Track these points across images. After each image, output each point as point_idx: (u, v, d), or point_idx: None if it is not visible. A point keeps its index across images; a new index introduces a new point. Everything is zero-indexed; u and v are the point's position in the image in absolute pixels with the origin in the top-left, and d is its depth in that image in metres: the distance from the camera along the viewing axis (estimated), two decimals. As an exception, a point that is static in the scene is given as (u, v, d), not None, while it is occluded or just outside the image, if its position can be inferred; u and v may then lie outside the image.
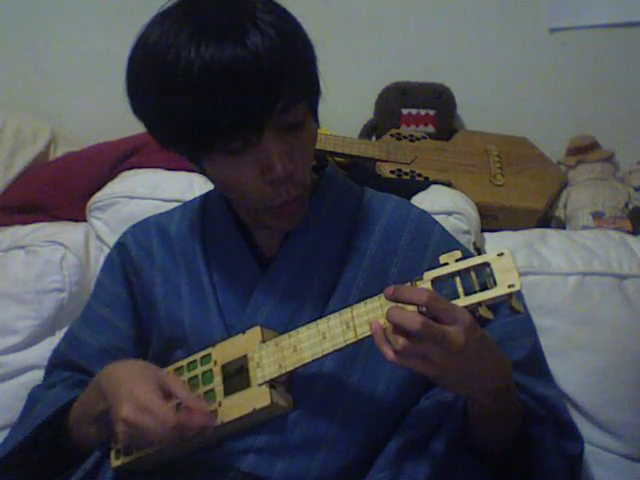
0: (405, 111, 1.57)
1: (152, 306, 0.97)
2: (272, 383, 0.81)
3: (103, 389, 0.82)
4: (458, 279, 0.71)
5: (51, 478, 0.90)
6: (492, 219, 1.39)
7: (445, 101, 1.57)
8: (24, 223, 1.40)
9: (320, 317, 0.84)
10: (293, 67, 0.76)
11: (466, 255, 0.73)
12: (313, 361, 0.79)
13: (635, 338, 1.16)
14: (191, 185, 1.34)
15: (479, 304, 0.70)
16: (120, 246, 1.02)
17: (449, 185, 1.39)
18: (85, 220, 1.39)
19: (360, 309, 0.76)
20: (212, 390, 0.83)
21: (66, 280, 1.28)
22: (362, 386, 0.87)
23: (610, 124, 1.58)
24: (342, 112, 1.46)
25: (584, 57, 1.55)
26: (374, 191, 1.00)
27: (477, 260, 0.71)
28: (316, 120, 0.85)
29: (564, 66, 1.57)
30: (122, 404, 0.76)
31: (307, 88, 0.81)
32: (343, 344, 0.77)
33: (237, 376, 0.82)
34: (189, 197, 1.08)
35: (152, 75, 0.77)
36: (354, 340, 0.76)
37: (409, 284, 0.73)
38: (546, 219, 1.46)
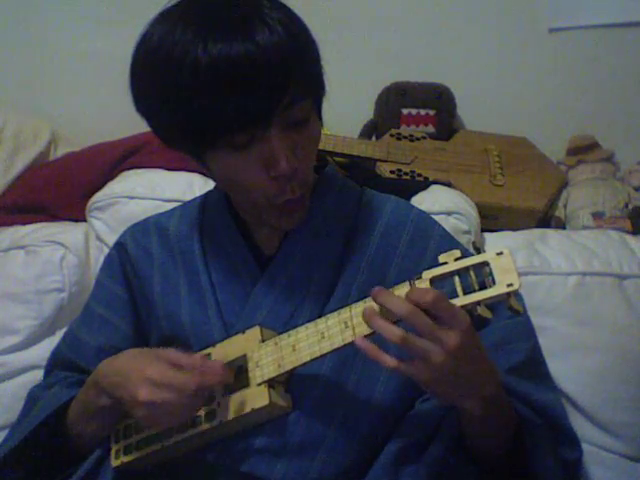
0: (405, 111, 1.57)
1: (151, 305, 0.97)
2: (271, 383, 0.81)
3: (103, 386, 0.82)
4: (457, 278, 0.71)
5: (51, 478, 0.90)
6: (492, 219, 1.39)
7: (445, 101, 1.57)
8: (24, 223, 1.40)
9: (320, 316, 0.84)
10: (300, 64, 0.76)
11: (465, 255, 0.73)
12: (312, 360, 0.79)
13: (635, 338, 1.16)
14: (191, 185, 1.34)
15: (478, 303, 0.70)
16: (119, 246, 1.02)
17: (449, 185, 1.39)
18: (85, 220, 1.39)
19: (358, 308, 0.76)
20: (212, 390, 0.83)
21: (66, 280, 1.28)
22: (360, 387, 0.87)
23: (610, 124, 1.58)
24: (342, 112, 1.45)
25: (584, 57, 1.55)
26: (374, 191, 1.01)
27: (476, 259, 0.71)
28: (320, 118, 0.86)
29: (564, 66, 1.57)
30: (137, 388, 0.76)
31: (312, 85, 0.81)
32: (342, 343, 0.77)
33: (236, 376, 0.82)
34: (189, 197, 1.08)
35: (157, 72, 0.77)
36: (352, 339, 0.75)
37: (407, 283, 0.73)
38: (546, 219, 1.46)
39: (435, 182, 1.38)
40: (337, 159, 1.49)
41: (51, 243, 1.30)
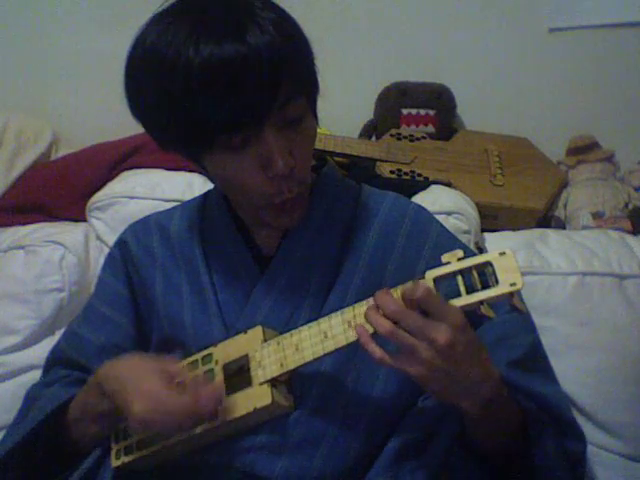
0: (405, 111, 1.57)
1: (152, 304, 0.97)
2: (273, 382, 0.81)
3: (104, 389, 0.81)
4: (460, 278, 0.71)
5: (51, 477, 0.90)
6: (492, 219, 1.39)
7: (445, 101, 1.57)
8: (24, 223, 1.40)
9: (319, 315, 0.84)
10: (292, 62, 0.76)
11: (465, 252, 0.74)
12: (314, 360, 0.79)
13: (635, 338, 1.16)
14: (191, 185, 1.34)
15: (481, 302, 0.70)
16: (121, 243, 1.02)
17: (449, 185, 1.39)
18: (85, 220, 1.39)
19: (362, 308, 0.76)
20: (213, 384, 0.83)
21: (66, 280, 1.28)
22: (359, 384, 0.87)
23: (610, 124, 1.58)
24: (342, 112, 1.46)
25: (584, 57, 1.55)
26: (372, 188, 1.01)
27: (479, 259, 0.71)
28: (315, 117, 0.86)
29: (564, 66, 1.57)
30: (133, 402, 0.75)
31: (306, 83, 0.81)
32: (345, 343, 0.77)
33: (238, 375, 0.82)
34: (189, 197, 1.08)
35: (151, 74, 0.77)
36: (356, 338, 0.75)
37: (411, 283, 0.74)
38: (546, 219, 1.47)
39: (435, 182, 1.39)
40: (337, 159, 1.49)
41: (51, 243, 1.30)
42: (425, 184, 1.36)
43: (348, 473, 0.85)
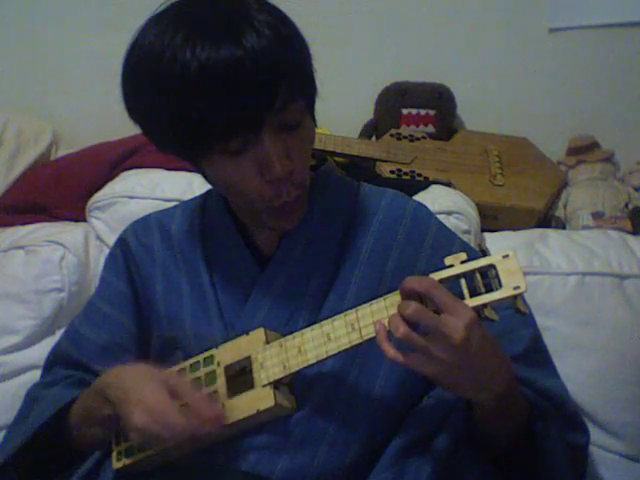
0: (405, 111, 1.57)
1: (152, 304, 0.97)
2: (276, 384, 0.81)
3: (107, 395, 0.81)
4: (463, 281, 0.72)
5: (51, 478, 0.90)
6: (492, 219, 1.39)
7: (445, 101, 1.57)
8: (24, 223, 1.40)
9: (319, 314, 0.84)
10: (289, 66, 0.76)
11: (465, 251, 0.74)
12: (317, 362, 0.79)
13: (635, 338, 1.16)
14: (191, 185, 1.34)
15: (484, 305, 0.70)
16: (122, 242, 1.02)
17: (449, 185, 1.39)
18: (85, 220, 1.39)
19: (365, 310, 0.76)
20: (215, 391, 0.83)
21: (65, 280, 1.28)
22: (360, 382, 0.87)
23: (610, 124, 1.58)
24: (342, 112, 1.46)
25: (584, 57, 1.56)
26: (371, 186, 1.00)
27: (482, 262, 0.71)
28: (313, 119, 0.85)
29: (564, 66, 1.57)
30: (133, 411, 0.75)
31: (304, 87, 0.81)
32: (348, 345, 0.77)
33: (240, 377, 0.82)
34: (189, 197, 1.08)
35: (149, 77, 0.77)
36: (359, 341, 0.76)
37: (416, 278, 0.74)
38: (546, 219, 1.47)
39: (435, 182, 1.39)
40: (337, 159, 1.49)
41: (51, 243, 1.30)
42: (425, 184, 1.36)
43: (349, 472, 0.85)
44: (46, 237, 1.32)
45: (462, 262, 0.72)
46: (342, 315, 0.78)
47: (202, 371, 0.85)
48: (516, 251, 0.71)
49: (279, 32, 0.76)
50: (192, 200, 1.03)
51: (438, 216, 1.01)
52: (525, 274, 0.70)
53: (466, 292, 0.71)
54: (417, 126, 1.57)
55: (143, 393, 0.76)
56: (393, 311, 0.72)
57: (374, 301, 0.76)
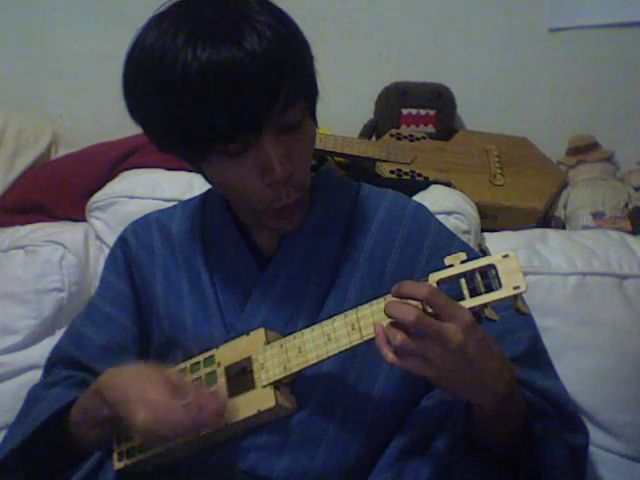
0: (405, 111, 1.57)
1: (152, 303, 0.97)
2: (276, 385, 0.81)
3: (106, 396, 0.81)
4: (463, 281, 0.71)
5: (51, 478, 0.90)
6: (492, 219, 1.39)
7: (445, 101, 1.57)
8: (24, 223, 1.40)
9: (319, 314, 0.84)
10: (290, 67, 0.76)
11: (466, 251, 0.74)
12: (318, 362, 0.79)
13: (635, 338, 1.16)
14: (191, 185, 1.34)
15: (484, 306, 0.70)
16: (122, 241, 1.02)
17: (449, 185, 1.39)
18: (85, 220, 1.39)
19: (365, 310, 0.76)
20: (216, 392, 0.83)
21: (65, 280, 1.28)
22: (360, 383, 0.87)
23: (610, 124, 1.58)
24: (342, 112, 1.46)
25: (584, 57, 1.55)
26: (371, 186, 1.00)
27: (482, 262, 0.71)
28: (314, 120, 0.85)
29: (564, 66, 1.57)
30: (135, 410, 0.75)
31: (305, 88, 0.80)
32: (348, 345, 0.77)
33: (241, 378, 0.82)
34: (189, 197, 1.08)
35: (150, 78, 0.77)
36: (359, 341, 0.76)
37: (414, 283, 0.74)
38: (546, 219, 1.47)
39: (435, 182, 1.38)
40: (337, 159, 1.49)
41: (51, 243, 1.30)
42: (425, 184, 1.36)
43: (349, 473, 0.85)
44: (46, 237, 1.32)
45: (462, 262, 0.72)
46: (342, 315, 0.78)
47: (202, 371, 0.86)
48: (516, 251, 0.71)
49: (280, 33, 0.75)
50: (192, 200, 1.03)
51: (438, 216, 1.02)
52: (525, 274, 0.70)
53: (466, 292, 0.71)
54: (417, 126, 1.57)
55: (145, 392, 0.76)
56: None
57: (374, 301, 0.75)
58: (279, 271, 0.90)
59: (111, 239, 1.22)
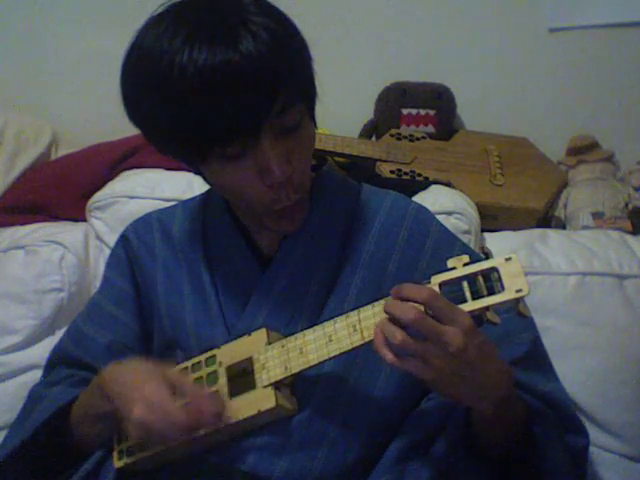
0: (405, 111, 1.57)
1: (154, 303, 0.97)
2: (277, 385, 0.81)
3: (106, 391, 0.81)
4: (466, 283, 0.71)
5: (52, 478, 0.90)
6: (492, 219, 1.39)
7: (445, 101, 1.57)
8: (24, 223, 1.40)
9: (320, 315, 0.84)
10: (288, 69, 0.75)
11: (468, 254, 0.74)
12: (319, 363, 0.79)
13: (635, 338, 1.16)
14: (191, 185, 1.34)
15: (486, 308, 0.70)
16: (124, 240, 1.02)
17: (449, 185, 1.39)
18: (85, 220, 1.39)
19: (367, 312, 0.76)
20: (217, 391, 0.83)
21: (65, 280, 1.28)
22: (361, 384, 0.87)
23: (610, 124, 1.58)
24: (342, 112, 1.46)
25: (584, 57, 1.55)
26: (372, 187, 1.00)
27: (485, 265, 0.71)
28: (314, 121, 0.85)
29: (564, 66, 1.57)
30: (133, 405, 0.75)
31: (303, 90, 0.80)
32: (349, 347, 0.77)
33: (242, 378, 0.82)
34: (189, 197, 1.08)
35: (147, 81, 0.76)
36: (361, 343, 0.76)
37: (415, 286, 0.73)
38: (546, 219, 1.47)
39: (435, 182, 1.39)
40: (337, 159, 1.49)
41: (51, 243, 1.30)
42: (425, 184, 1.36)
43: (348, 474, 0.85)
44: (46, 237, 1.32)
45: (465, 264, 0.72)
46: (344, 317, 0.78)
47: (204, 371, 0.85)
48: (516, 251, 0.71)
49: (277, 34, 0.75)
50: (192, 199, 1.03)
51: (438, 216, 1.02)
52: (525, 274, 0.70)
53: (468, 294, 0.71)
54: (417, 126, 1.57)
55: (144, 389, 0.76)
56: None
57: (376, 303, 0.75)
58: (280, 272, 0.90)
59: (111, 239, 1.22)
